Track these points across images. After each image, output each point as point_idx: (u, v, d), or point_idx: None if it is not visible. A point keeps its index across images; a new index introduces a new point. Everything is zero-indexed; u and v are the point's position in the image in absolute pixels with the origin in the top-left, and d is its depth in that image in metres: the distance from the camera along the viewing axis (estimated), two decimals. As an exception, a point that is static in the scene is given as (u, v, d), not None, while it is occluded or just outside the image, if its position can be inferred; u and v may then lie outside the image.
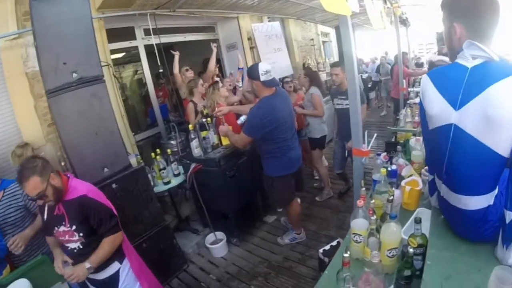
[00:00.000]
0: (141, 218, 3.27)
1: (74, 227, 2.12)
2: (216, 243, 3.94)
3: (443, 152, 1.46)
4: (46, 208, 2.13)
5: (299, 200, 4.06)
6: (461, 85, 1.34)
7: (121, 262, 2.39)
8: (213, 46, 5.26)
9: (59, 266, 2.14)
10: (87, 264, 2.11)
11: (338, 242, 3.08)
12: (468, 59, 1.36)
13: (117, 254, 2.35)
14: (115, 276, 2.35)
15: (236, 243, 4.09)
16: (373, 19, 4.23)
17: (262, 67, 3.15)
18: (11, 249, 2.34)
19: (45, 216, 2.15)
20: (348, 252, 1.47)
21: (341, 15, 2.40)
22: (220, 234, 4.02)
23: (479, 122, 1.29)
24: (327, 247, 3.06)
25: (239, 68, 5.24)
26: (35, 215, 2.63)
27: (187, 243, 4.15)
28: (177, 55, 4.81)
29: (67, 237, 2.15)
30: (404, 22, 8.28)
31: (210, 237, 4.05)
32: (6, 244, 2.35)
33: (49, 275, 2.30)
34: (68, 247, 2.19)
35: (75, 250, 2.18)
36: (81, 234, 2.14)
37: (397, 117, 4.76)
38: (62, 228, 2.13)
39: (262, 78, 3.13)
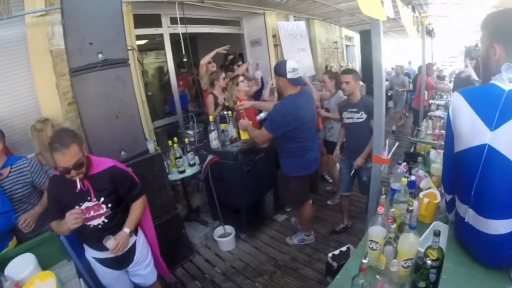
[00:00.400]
0: (153, 204, 3.25)
1: (102, 199, 2.16)
2: (225, 237, 3.93)
3: (473, 174, 1.43)
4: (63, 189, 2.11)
5: (311, 201, 4.02)
6: (498, 106, 1.33)
7: (136, 234, 2.45)
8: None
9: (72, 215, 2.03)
10: (127, 229, 2.22)
11: (348, 248, 3.05)
12: (505, 82, 1.36)
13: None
14: (133, 248, 2.40)
15: (244, 238, 4.08)
16: (408, 27, 4.19)
17: (289, 65, 3.11)
18: (21, 228, 2.35)
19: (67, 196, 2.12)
20: (367, 258, 1.45)
21: (373, 20, 2.37)
22: (229, 228, 4.02)
23: None
24: (336, 252, 3.04)
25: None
26: (41, 192, 2.66)
27: (196, 234, 4.16)
28: (219, 51, 4.84)
29: (91, 213, 2.14)
30: (430, 32, 8.19)
31: (219, 230, 4.05)
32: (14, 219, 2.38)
33: (55, 252, 2.32)
34: (90, 225, 2.17)
35: (99, 226, 2.19)
36: (109, 205, 2.19)
37: (418, 127, 4.70)
38: (85, 205, 2.12)
39: (289, 75, 3.09)
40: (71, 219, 1.99)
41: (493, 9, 6.19)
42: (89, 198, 2.13)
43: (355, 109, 3.63)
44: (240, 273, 3.53)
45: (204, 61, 4.75)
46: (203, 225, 4.33)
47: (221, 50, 4.88)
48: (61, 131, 2.09)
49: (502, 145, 1.32)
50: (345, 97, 4.12)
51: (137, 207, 2.37)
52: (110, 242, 2.11)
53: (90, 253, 2.33)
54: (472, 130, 1.41)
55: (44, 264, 2.14)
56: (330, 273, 3.00)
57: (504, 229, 1.37)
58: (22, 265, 2.01)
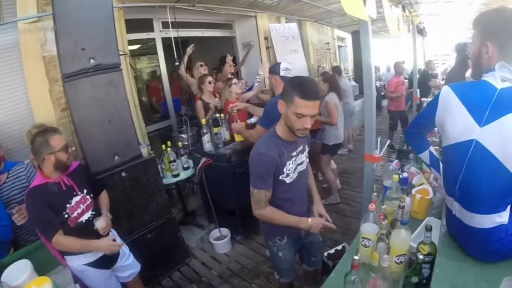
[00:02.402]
0: (147, 208, 3.28)
1: (85, 190, 2.37)
2: (221, 239, 3.94)
3: (459, 168, 1.46)
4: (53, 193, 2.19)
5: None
6: (489, 103, 1.36)
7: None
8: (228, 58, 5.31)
9: (112, 243, 2.34)
10: (107, 213, 2.48)
11: (343, 247, 3.07)
12: (497, 80, 1.37)
13: None
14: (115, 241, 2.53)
15: (240, 240, 4.09)
16: (390, 26, 4.22)
17: (283, 65, 3.25)
18: (14, 218, 2.42)
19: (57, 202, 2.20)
20: (359, 255, 1.47)
21: (362, 20, 2.41)
22: (224, 231, 4.03)
23: (501, 143, 1.31)
24: (332, 250, 3.06)
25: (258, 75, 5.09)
26: None
27: (191, 237, 4.15)
28: (189, 51, 4.82)
29: (81, 207, 2.30)
30: (421, 31, 8.26)
31: (215, 233, 4.05)
32: (11, 223, 2.42)
33: (52, 259, 2.33)
34: (82, 221, 2.30)
35: (91, 219, 2.34)
36: (91, 195, 2.41)
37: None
38: (74, 200, 2.27)
39: (282, 73, 3.20)
40: (109, 246, 2.29)
41: (482, 6, 6.26)
42: (74, 192, 2.29)
43: None
44: (237, 275, 3.54)
45: (182, 69, 4.78)
46: (199, 228, 4.32)
47: (189, 50, 4.85)
48: (44, 128, 2.37)
49: (489, 142, 1.34)
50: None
51: (106, 196, 2.64)
52: (100, 223, 2.30)
53: (81, 261, 2.31)
54: (461, 125, 1.43)
55: (40, 270, 2.14)
56: (326, 272, 3.01)
57: (488, 224, 1.41)
58: (18, 271, 2.03)
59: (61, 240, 2.11)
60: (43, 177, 2.17)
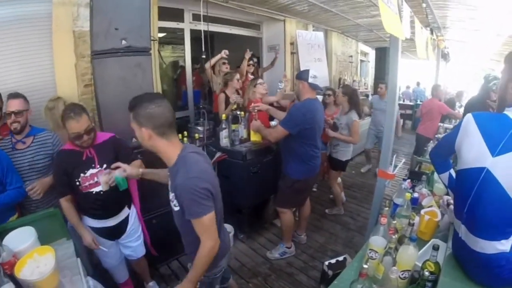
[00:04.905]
0: (158, 194, 3.29)
1: (104, 165, 2.41)
2: (223, 235, 3.94)
3: (468, 192, 1.51)
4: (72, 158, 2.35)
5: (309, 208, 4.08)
6: (505, 135, 1.41)
7: (129, 207, 2.72)
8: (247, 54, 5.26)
9: (92, 241, 2.46)
10: (121, 172, 2.28)
11: (345, 258, 3.08)
12: None
13: (128, 200, 2.72)
14: (126, 221, 2.68)
15: (242, 239, 4.11)
16: (419, 47, 4.23)
17: (312, 72, 3.29)
18: (29, 194, 2.44)
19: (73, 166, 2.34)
20: (368, 264, 1.49)
21: (393, 38, 2.45)
22: (228, 227, 4.02)
23: (510, 174, 1.36)
24: (333, 260, 3.06)
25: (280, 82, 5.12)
26: None
27: (194, 229, 4.16)
28: (222, 55, 4.81)
29: (95, 179, 2.38)
30: (445, 56, 8.23)
31: (218, 228, 4.06)
32: (25, 189, 2.45)
33: (56, 229, 2.34)
34: (93, 191, 2.40)
35: (102, 192, 2.39)
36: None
37: (424, 148, 4.71)
38: (90, 171, 2.37)
39: (310, 80, 3.24)
40: (90, 241, 2.44)
41: (509, 39, 6.23)
42: (93, 165, 2.39)
43: None
44: (235, 272, 3.54)
45: (207, 65, 4.77)
46: (204, 220, 4.33)
47: (223, 54, 4.79)
48: (72, 104, 2.44)
49: (499, 172, 1.39)
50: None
51: (137, 163, 2.62)
52: (102, 177, 2.27)
53: (88, 223, 2.50)
54: (476, 152, 1.49)
55: (43, 240, 2.12)
56: (324, 281, 3.03)
57: (490, 250, 1.44)
58: (22, 237, 2.01)
59: (63, 204, 2.39)
60: (70, 144, 2.35)
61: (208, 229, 1.69)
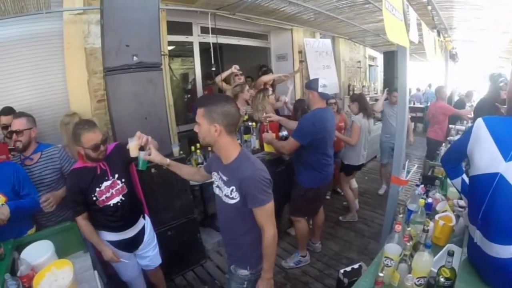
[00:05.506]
0: (172, 206, 3.36)
1: (116, 175, 2.45)
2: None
3: (482, 198, 1.50)
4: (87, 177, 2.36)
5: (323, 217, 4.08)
6: None
7: (144, 218, 2.77)
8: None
9: (113, 255, 2.48)
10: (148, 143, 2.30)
11: (360, 266, 3.07)
12: None
13: (142, 208, 2.79)
14: (142, 231, 2.71)
15: (257, 248, 4.10)
16: (428, 49, 4.23)
17: (321, 81, 3.29)
18: (42, 206, 2.46)
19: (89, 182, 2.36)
20: (384, 272, 1.50)
21: (400, 45, 2.45)
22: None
23: None
24: (348, 268, 3.04)
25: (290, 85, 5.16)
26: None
27: (209, 240, 4.19)
28: (233, 70, 4.88)
29: (110, 191, 2.42)
30: (453, 57, 8.17)
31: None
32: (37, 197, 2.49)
33: (72, 243, 2.39)
34: (110, 204, 2.42)
35: (119, 204, 2.45)
36: (123, 181, 2.49)
37: (437, 151, 4.67)
38: (104, 184, 2.40)
39: (320, 89, 3.25)
40: (111, 255, 2.45)
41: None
42: (106, 177, 2.41)
43: None
44: (250, 282, 3.54)
45: (218, 78, 4.83)
46: (217, 231, 4.35)
47: (234, 70, 4.87)
48: (84, 120, 2.54)
49: None
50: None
51: None
52: (130, 143, 2.23)
53: (105, 237, 2.52)
54: (488, 158, 1.47)
55: (60, 253, 2.19)
56: (340, 289, 3.02)
57: (505, 254, 1.43)
58: (39, 250, 2.07)
59: (81, 223, 2.38)
60: (82, 161, 2.38)
61: (270, 216, 1.88)
